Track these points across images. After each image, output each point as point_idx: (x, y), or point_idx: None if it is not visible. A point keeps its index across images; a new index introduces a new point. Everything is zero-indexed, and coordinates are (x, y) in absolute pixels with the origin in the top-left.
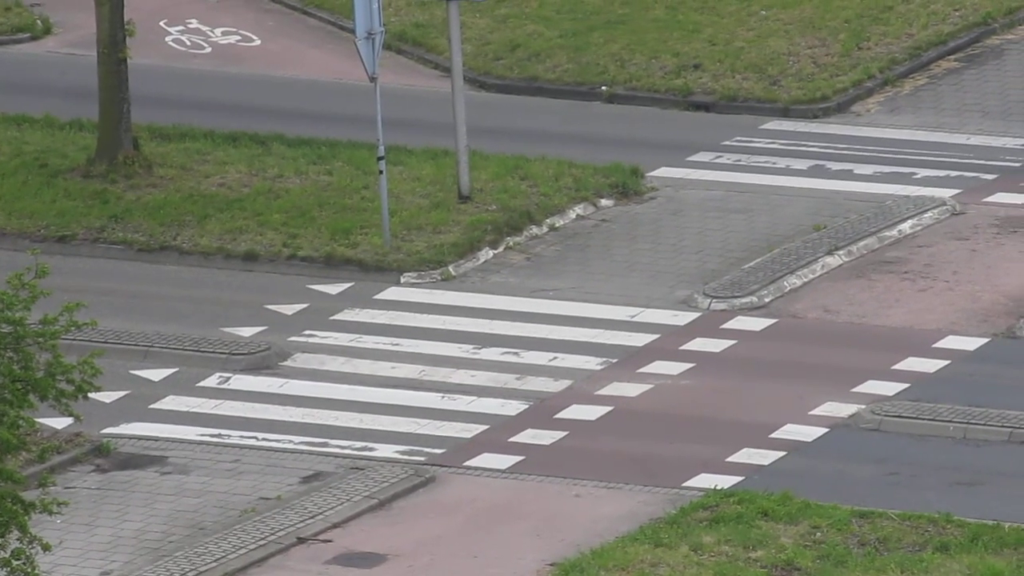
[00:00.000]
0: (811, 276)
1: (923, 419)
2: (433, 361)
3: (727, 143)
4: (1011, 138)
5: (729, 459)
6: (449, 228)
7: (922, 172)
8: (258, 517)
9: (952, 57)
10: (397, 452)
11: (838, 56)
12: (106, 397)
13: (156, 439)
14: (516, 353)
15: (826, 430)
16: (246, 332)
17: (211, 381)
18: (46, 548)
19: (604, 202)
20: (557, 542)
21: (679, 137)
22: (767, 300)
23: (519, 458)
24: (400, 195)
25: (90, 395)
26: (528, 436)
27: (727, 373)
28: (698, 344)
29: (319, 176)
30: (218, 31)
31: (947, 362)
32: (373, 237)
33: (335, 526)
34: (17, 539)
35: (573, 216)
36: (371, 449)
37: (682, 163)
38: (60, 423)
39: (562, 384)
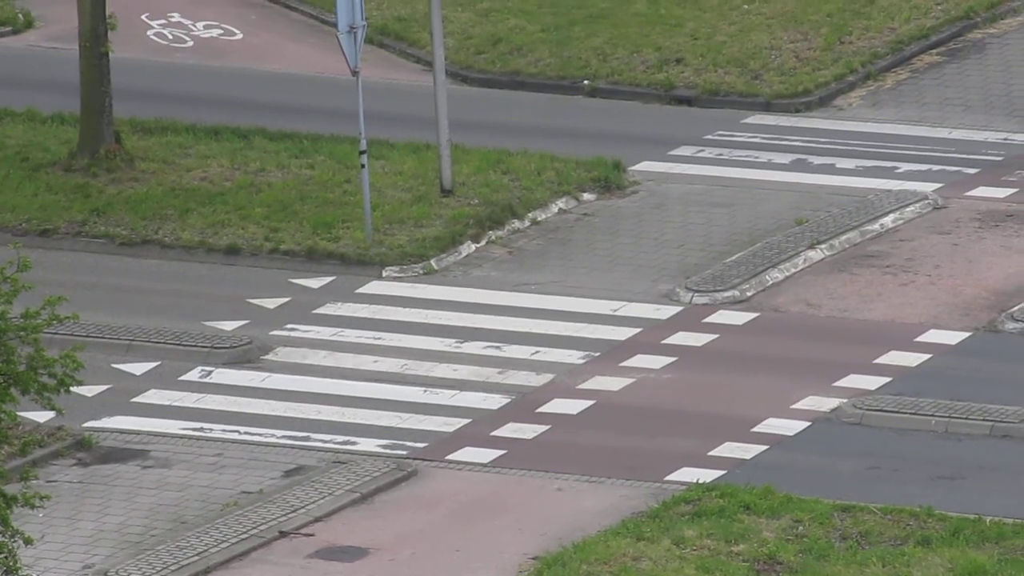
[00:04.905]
0: (793, 270)
1: (905, 413)
2: (415, 355)
3: (709, 137)
4: (992, 132)
5: (711, 453)
6: (431, 222)
7: (904, 166)
8: (240, 511)
9: (934, 51)
10: (379, 446)
11: (820, 50)
12: (88, 391)
13: (138, 433)
14: (498, 347)
15: (808, 424)
16: (228, 326)
17: (193, 375)
18: (28, 542)
19: (586, 196)
20: (539, 536)
21: (661, 131)
22: (749, 294)
23: (501, 452)
24: (382, 189)
25: (72, 389)
26: (510, 430)
27: (709, 367)
28: (680, 338)
29: (301, 170)
30: (200, 25)
31: (929, 356)
32: (355, 231)
33: (317, 520)
34: None
35: (555, 210)
36: (353, 443)
37: (664, 157)
38: (42, 417)
39: (544, 378)
